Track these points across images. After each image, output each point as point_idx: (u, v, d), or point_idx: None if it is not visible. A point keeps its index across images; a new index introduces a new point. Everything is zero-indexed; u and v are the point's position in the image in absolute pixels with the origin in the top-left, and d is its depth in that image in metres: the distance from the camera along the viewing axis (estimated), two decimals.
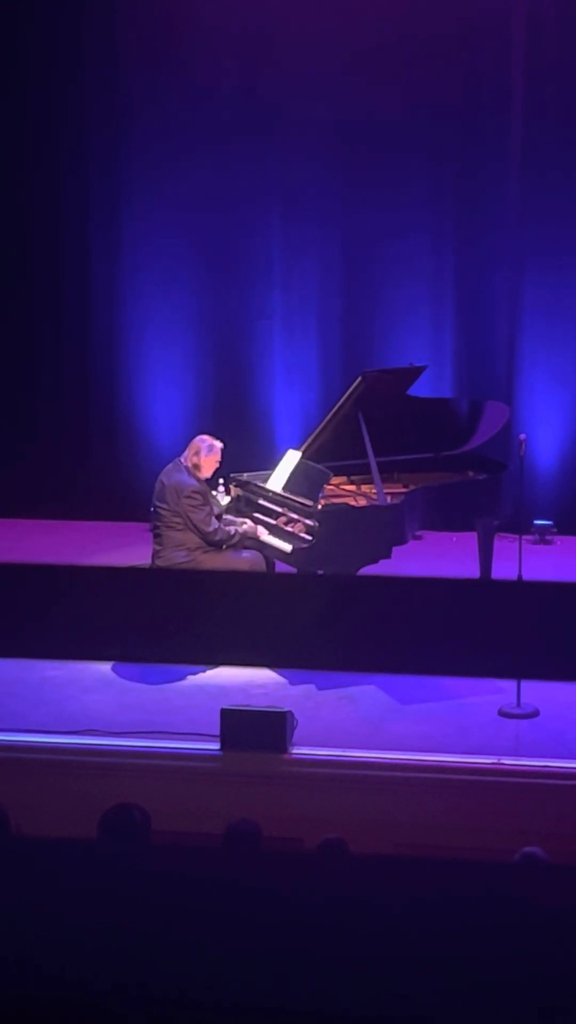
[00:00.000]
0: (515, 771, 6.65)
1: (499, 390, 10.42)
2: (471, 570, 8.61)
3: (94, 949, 2.11)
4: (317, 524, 7.78)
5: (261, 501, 8.24)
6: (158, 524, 8.04)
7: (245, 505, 8.35)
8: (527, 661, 2.36)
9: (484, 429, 8.65)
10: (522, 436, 8.09)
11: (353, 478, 8.49)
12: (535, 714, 7.21)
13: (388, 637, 2.30)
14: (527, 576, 7.54)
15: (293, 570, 7.93)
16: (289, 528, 7.95)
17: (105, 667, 7.71)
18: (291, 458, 8.25)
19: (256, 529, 8.09)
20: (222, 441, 8.16)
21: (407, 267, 10.65)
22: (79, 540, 10.41)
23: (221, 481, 8.42)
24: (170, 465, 8.16)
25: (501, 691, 7.33)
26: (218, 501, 8.27)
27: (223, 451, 8.13)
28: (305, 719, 7.04)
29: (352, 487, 8.48)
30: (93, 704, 7.39)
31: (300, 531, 7.88)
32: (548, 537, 10.45)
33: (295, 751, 6.80)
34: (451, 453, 8.62)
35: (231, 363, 10.96)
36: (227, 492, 8.45)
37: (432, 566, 9.46)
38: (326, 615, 2.31)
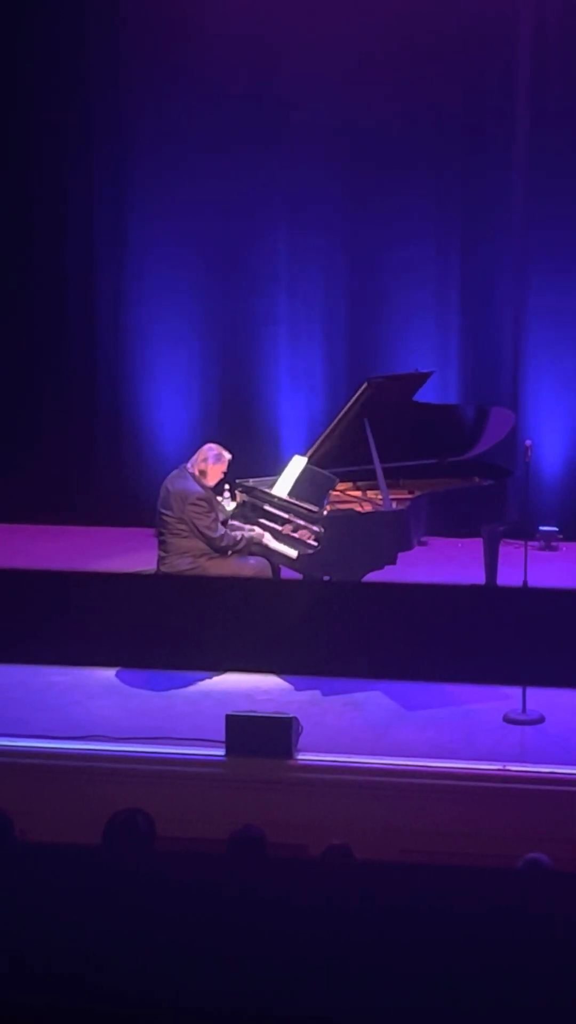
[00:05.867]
0: (520, 777, 6.64)
1: (505, 396, 10.42)
2: (476, 576, 8.60)
3: (98, 955, 2.11)
4: (323, 530, 7.77)
5: (267, 507, 8.23)
6: (163, 531, 8.01)
7: (251, 511, 8.33)
8: (532, 668, 2.36)
9: (490, 435, 8.64)
10: (528, 442, 8.08)
11: (359, 484, 8.49)
12: (540, 720, 7.20)
13: (393, 643, 2.30)
14: (532, 582, 7.53)
15: (299, 576, 7.92)
16: (295, 534, 7.95)
17: (110, 673, 7.71)
18: (297, 464, 8.25)
19: (262, 535, 8.07)
20: (231, 453, 8.13)
21: (412, 273, 10.65)
22: (84, 546, 10.41)
23: (227, 487, 8.41)
24: (175, 472, 8.14)
25: (506, 697, 7.31)
26: (223, 507, 8.26)
27: (230, 462, 8.12)
28: (310, 725, 7.03)
29: (358, 493, 8.47)
30: (98, 710, 7.39)
31: (306, 537, 7.87)
32: (553, 543, 10.44)
33: (300, 757, 6.79)
34: (457, 459, 8.62)
35: (237, 369, 10.96)
36: (232, 498, 8.44)
37: (437, 572, 9.46)
38: (331, 621, 2.31)
